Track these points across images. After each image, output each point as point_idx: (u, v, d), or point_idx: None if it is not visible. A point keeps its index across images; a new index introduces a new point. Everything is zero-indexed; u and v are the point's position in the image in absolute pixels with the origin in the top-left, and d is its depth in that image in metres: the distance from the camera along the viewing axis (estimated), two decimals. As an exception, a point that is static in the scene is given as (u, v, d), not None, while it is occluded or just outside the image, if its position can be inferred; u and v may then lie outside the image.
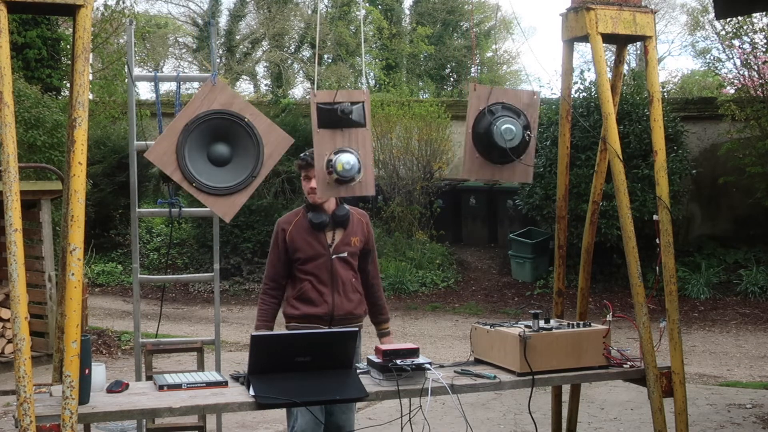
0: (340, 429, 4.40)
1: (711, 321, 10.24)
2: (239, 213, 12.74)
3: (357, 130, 3.91)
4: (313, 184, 4.20)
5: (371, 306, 4.60)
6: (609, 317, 4.06)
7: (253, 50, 26.13)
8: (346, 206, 4.52)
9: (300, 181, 4.59)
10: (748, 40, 11.63)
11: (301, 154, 4.43)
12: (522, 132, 4.12)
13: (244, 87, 27.89)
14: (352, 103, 3.90)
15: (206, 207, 3.98)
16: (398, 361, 3.64)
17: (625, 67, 4.93)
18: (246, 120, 3.93)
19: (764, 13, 10.51)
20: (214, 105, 3.90)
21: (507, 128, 4.07)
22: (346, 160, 3.83)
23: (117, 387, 3.53)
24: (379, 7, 25.21)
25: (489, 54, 29.40)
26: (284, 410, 5.07)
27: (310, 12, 25.04)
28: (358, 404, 5.85)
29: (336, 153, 3.87)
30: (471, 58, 26.81)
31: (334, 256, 4.38)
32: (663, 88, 13.36)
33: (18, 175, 3.27)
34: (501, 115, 4.13)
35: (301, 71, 26.18)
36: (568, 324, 4.10)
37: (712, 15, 12.45)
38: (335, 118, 3.87)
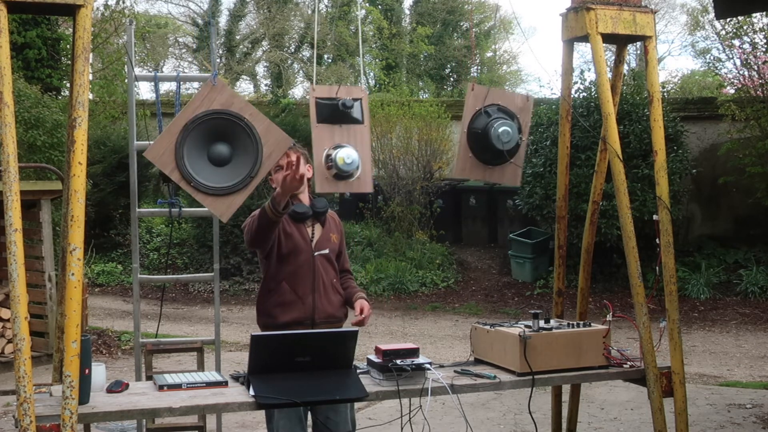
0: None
1: (711, 321, 10.24)
2: (239, 213, 12.73)
3: (356, 127, 3.89)
4: (301, 171, 3.89)
5: (349, 293, 4.32)
6: (609, 317, 4.06)
7: (253, 50, 26.14)
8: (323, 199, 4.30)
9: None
10: (748, 40, 11.64)
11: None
12: (517, 134, 4.14)
13: (244, 87, 27.91)
14: (353, 100, 3.89)
15: (205, 207, 3.98)
16: (398, 361, 3.64)
17: (625, 67, 4.93)
18: (245, 120, 3.92)
19: (764, 13, 10.51)
20: (214, 105, 3.89)
21: (504, 130, 4.08)
22: (347, 154, 3.78)
23: (117, 387, 3.53)
24: (379, 7, 25.21)
25: (489, 54, 29.42)
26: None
27: (310, 12, 25.04)
28: (359, 404, 5.86)
29: (335, 148, 3.83)
30: (471, 58, 26.82)
31: (316, 253, 4.14)
32: (663, 88, 13.36)
33: (18, 175, 3.27)
34: (497, 117, 4.15)
35: (301, 71, 26.19)
36: (568, 324, 4.10)
37: (712, 15, 12.45)
38: (335, 113, 3.85)
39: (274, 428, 4.04)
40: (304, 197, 4.22)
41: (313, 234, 4.17)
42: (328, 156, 3.84)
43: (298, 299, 4.08)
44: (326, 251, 4.18)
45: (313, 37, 24.21)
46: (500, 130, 4.07)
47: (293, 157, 3.79)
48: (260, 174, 3.94)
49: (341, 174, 3.84)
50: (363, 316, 4.14)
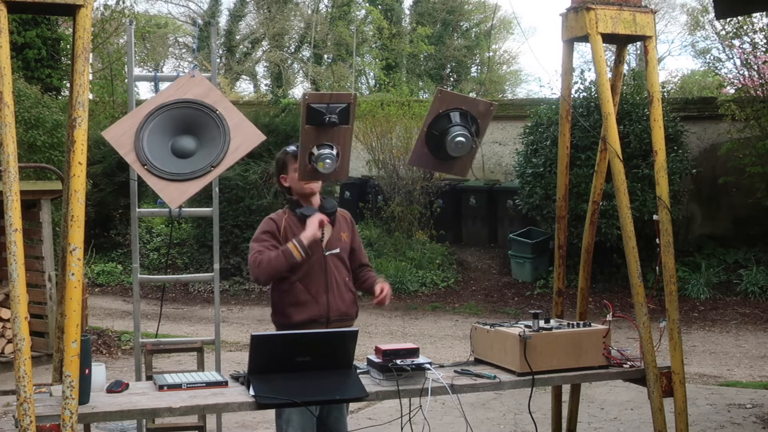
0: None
1: (711, 321, 10.24)
2: (239, 213, 12.70)
3: (340, 128, 4.09)
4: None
5: (367, 282, 4.41)
6: (609, 317, 4.06)
7: (253, 50, 26.15)
8: (332, 200, 4.43)
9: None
10: (748, 40, 11.63)
11: (289, 148, 4.38)
12: (471, 142, 4.19)
13: (244, 87, 27.93)
14: (339, 107, 4.06)
15: (206, 208, 3.96)
16: (398, 361, 3.65)
17: (625, 67, 4.93)
18: (217, 112, 3.88)
19: (764, 13, 10.51)
20: (188, 95, 3.86)
21: (459, 141, 4.17)
22: (326, 162, 4.00)
23: (117, 387, 3.53)
24: (379, 7, 25.21)
25: (489, 54, 29.42)
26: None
27: (310, 12, 25.05)
28: (359, 404, 5.86)
29: (319, 147, 4.03)
30: (470, 58, 26.83)
31: (327, 253, 4.21)
32: (663, 88, 13.36)
33: (18, 175, 3.27)
34: (456, 124, 4.21)
35: (301, 71, 26.19)
36: (568, 324, 4.10)
37: (712, 15, 12.45)
38: (322, 120, 4.04)
39: (284, 422, 4.07)
40: (315, 200, 4.31)
41: (323, 234, 4.23)
42: (311, 154, 4.05)
43: (312, 299, 4.14)
44: (337, 250, 4.25)
45: (314, 38, 24.22)
46: (456, 140, 4.17)
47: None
48: (222, 165, 3.88)
49: (320, 173, 4.08)
50: (383, 294, 4.22)
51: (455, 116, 4.21)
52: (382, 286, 4.28)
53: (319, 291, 4.15)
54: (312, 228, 4.11)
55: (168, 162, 3.80)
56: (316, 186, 4.28)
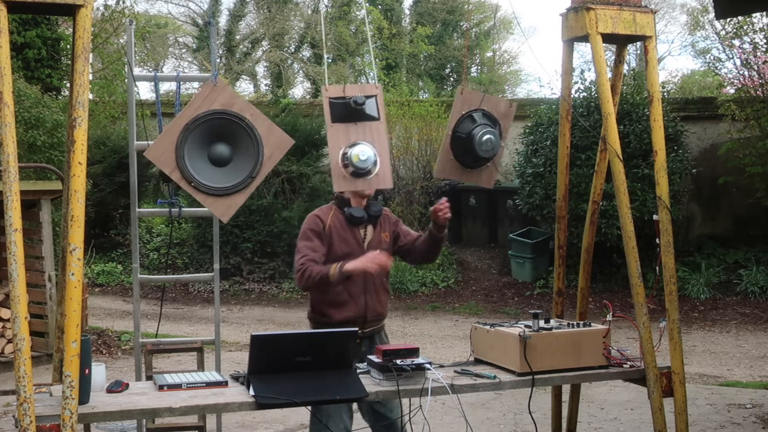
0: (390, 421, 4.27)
1: (711, 321, 10.24)
2: (239, 213, 12.69)
3: (371, 124, 3.87)
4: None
5: (425, 233, 4.41)
6: (609, 317, 4.06)
7: (253, 50, 26.13)
8: (378, 204, 4.41)
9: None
10: (748, 40, 11.64)
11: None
12: (499, 141, 4.19)
13: (244, 87, 27.90)
14: (366, 97, 3.87)
15: (206, 207, 3.97)
16: (398, 361, 3.65)
17: (625, 67, 4.93)
18: (246, 120, 3.91)
19: (764, 13, 10.51)
20: (215, 105, 3.89)
21: (488, 139, 4.16)
22: (361, 150, 3.78)
23: (117, 387, 3.53)
24: (379, 7, 25.20)
25: (489, 54, 29.41)
26: (284, 410, 5.07)
27: (310, 12, 25.04)
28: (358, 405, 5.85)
29: (351, 146, 3.82)
30: (471, 57, 26.81)
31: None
32: (663, 88, 13.36)
33: (18, 175, 3.27)
34: (482, 124, 4.19)
35: (301, 71, 26.18)
36: (568, 324, 4.10)
37: (712, 15, 12.45)
38: (348, 111, 3.83)
39: (321, 411, 4.08)
40: (363, 202, 4.31)
41: (365, 236, 4.29)
42: (344, 154, 3.83)
43: (352, 299, 4.20)
44: (378, 252, 4.22)
45: (314, 38, 24.22)
46: (484, 138, 4.15)
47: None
48: (261, 174, 3.93)
49: (358, 171, 3.83)
50: (443, 204, 4.22)
51: (479, 117, 4.19)
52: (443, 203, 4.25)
53: (358, 292, 4.21)
54: (364, 264, 4.06)
55: (210, 175, 3.85)
56: (369, 191, 4.22)
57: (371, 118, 3.87)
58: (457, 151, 4.25)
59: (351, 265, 4.05)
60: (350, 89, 3.85)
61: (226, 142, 3.91)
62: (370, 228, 4.32)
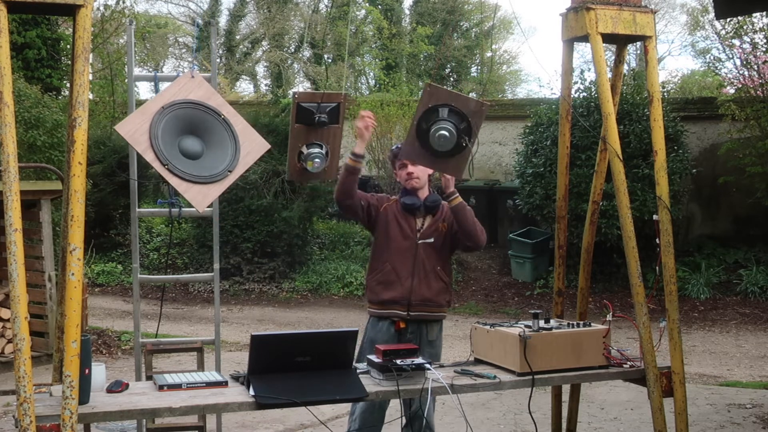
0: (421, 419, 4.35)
1: (711, 321, 10.24)
2: (239, 213, 12.66)
3: (330, 127, 4.26)
4: (410, 169, 4.49)
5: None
6: (609, 317, 4.06)
7: (253, 50, 26.15)
8: (437, 195, 4.60)
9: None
10: (748, 40, 11.64)
11: (393, 147, 4.75)
12: (457, 137, 4.18)
13: (244, 87, 27.92)
14: (329, 106, 4.22)
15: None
16: (398, 361, 3.65)
17: (625, 67, 4.93)
18: (223, 116, 3.91)
19: (764, 13, 10.51)
20: (191, 96, 3.88)
21: (441, 135, 4.21)
22: (314, 161, 4.19)
23: (117, 387, 3.53)
24: (379, 7, 25.21)
25: (489, 54, 29.40)
26: (284, 410, 5.09)
27: (310, 12, 25.05)
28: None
29: (308, 146, 4.23)
30: (471, 57, 26.81)
31: (420, 241, 4.44)
32: (663, 88, 13.36)
33: (18, 175, 3.27)
34: (441, 119, 4.20)
35: (301, 71, 26.19)
36: (568, 324, 4.10)
37: (712, 15, 12.45)
38: (311, 119, 4.19)
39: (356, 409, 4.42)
40: (423, 192, 4.56)
41: (423, 225, 4.50)
42: (300, 153, 4.25)
43: (398, 279, 4.41)
44: (431, 240, 4.47)
45: (314, 38, 24.22)
46: (438, 133, 4.20)
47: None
48: (237, 170, 3.93)
49: (309, 172, 4.27)
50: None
51: (444, 112, 4.23)
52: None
53: (405, 274, 4.41)
54: (359, 133, 4.43)
55: (182, 163, 3.82)
56: (417, 182, 4.51)
57: (332, 124, 4.26)
58: (421, 140, 4.32)
59: (357, 148, 4.42)
60: (320, 97, 4.24)
61: (197, 135, 3.86)
62: (428, 218, 4.52)
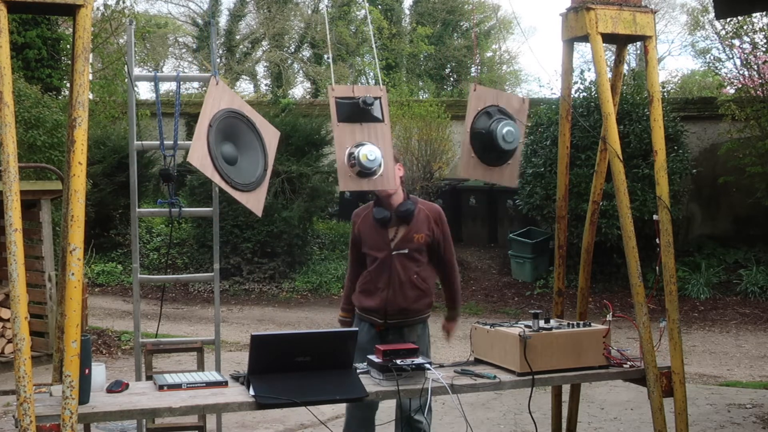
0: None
1: (711, 321, 10.24)
2: (239, 213, 12.68)
3: (376, 125, 3.94)
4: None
5: (446, 296, 4.83)
6: (609, 317, 4.06)
7: (253, 50, 26.13)
8: (414, 202, 4.53)
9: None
10: (748, 40, 11.63)
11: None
12: (519, 133, 4.19)
13: (244, 87, 27.90)
14: (373, 98, 3.94)
15: (206, 208, 3.98)
16: (398, 361, 3.65)
17: (625, 67, 4.93)
18: (247, 117, 3.97)
19: (764, 13, 10.50)
20: (222, 104, 3.91)
21: (509, 131, 4.16)
22: (369, 150, 3.84)
23: (117, 387, 3.53)
24: (379, 7, 25.20)
25: (489, 54, 29.41)
26: (284, 410, 5.11)
27: (310, 12, 25.04)
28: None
29: (357, 146, 3.88)
30: (472, 57, 26.80)
31: (394, 253, 4.45)
32: (663, 88, 13.35)
33: (18, 175, 3.27)
34: (499, 118, 4.17)
35: (301, 71, 26.18)
36: (568, 324, 4.10)
37: (712, 15, 12.45)
38: (355, 112, 3.88)
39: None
40: (397, 197, 4.49)
41: (395, 235, 4.46)
42: (350, 154, 3.88)
43: (376, 290, 4.48)
44: (405, 251, 4.47)
45: (314, 37, 24.20)
46: (504, 130, 4.15)
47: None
48: (269, 165, 4.01)
49: (364, 171, 3.89)
50: (445, 335, 4.87)
51: (494, 112, 4.19)
52: (447, 328, 4.85)
53: (381, 286, 4.46)
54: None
55: (232, 173, 3.88)
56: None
57: (376, 120, 3.93)
58: (478, 148, 4.24)
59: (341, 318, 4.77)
60: (357, 90, 3.93)
61: (231, 141, 3.93)
62: (402, 227, 4.47)
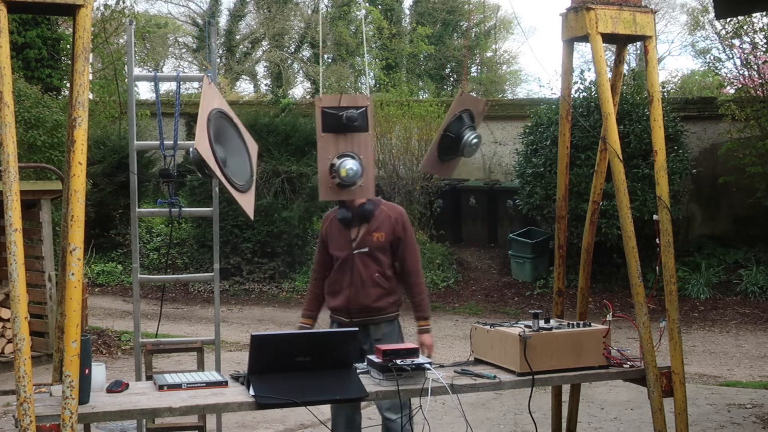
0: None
1: (711, 321, 10.23)
2: (239, 213, 12.71)
3: (359, 135, 4.05)
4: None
5: (411, 303, 4.78)
6: (609, 317, 4.06)
7: (253, 50, 26.14)
8: (375, 202, 4.57)
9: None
10: (748, 40, 11.63)
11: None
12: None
13: (244, 87, 27.91)
14: (356, 108, 4.00)
15: (207, 208, 3.99)
16: (398, 361, 3.65)
17: (625, 67, 4.93)
18: (234, 121, 3.99)
19: (764, 13, 10.51)
20: (214, 104, 3.91)
21: (477, 142, 4.30)
22: (350, 166, 3.98)
23: (117, 387, 3.53)
24: (379, 7, 25.21)
25: (489, 54, 29.41)
26: (284, 410, 5.12)
27: (310, 12, 25.05)
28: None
29: (339, 157, 4.01)
30: (471, 58, 26.81)
31: (355, 251, 4.53)
32: (663, 88, 13.35)
33: (18, 175, 3.27)
34: (468, 126, 4.28)
35: (301, 71, 26.18)
36: (568, 324, 4.10)
37: (712, 15, 12.45)
38: (339, 123, 3.98)
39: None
40: (359, 199, 4.51)
41: (357, 235, 4.54)
42: (332, 165, 4.03)
43: (340, 290, 4.58)
44: (365, 249, 4.54)
45: (314, 38, 24.21)
46: (473, 141, 4.29)
47: None
48: (255, 173, 4.09)
49: (344, 183, 4.04)
50: (427, 353, 4.62)
51: (466, 117, 4.26)
52: (422, 342, 4.67)
53: (345, 285, 4.56)
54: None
55: (229, 172, 3.90)
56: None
57: (360, 130, 4.04)
58: (443, 147, 4.36)
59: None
60: (344, 100, 4.02)
61: (219, 142, 3.92)
62: (364, 227, 4.54)
